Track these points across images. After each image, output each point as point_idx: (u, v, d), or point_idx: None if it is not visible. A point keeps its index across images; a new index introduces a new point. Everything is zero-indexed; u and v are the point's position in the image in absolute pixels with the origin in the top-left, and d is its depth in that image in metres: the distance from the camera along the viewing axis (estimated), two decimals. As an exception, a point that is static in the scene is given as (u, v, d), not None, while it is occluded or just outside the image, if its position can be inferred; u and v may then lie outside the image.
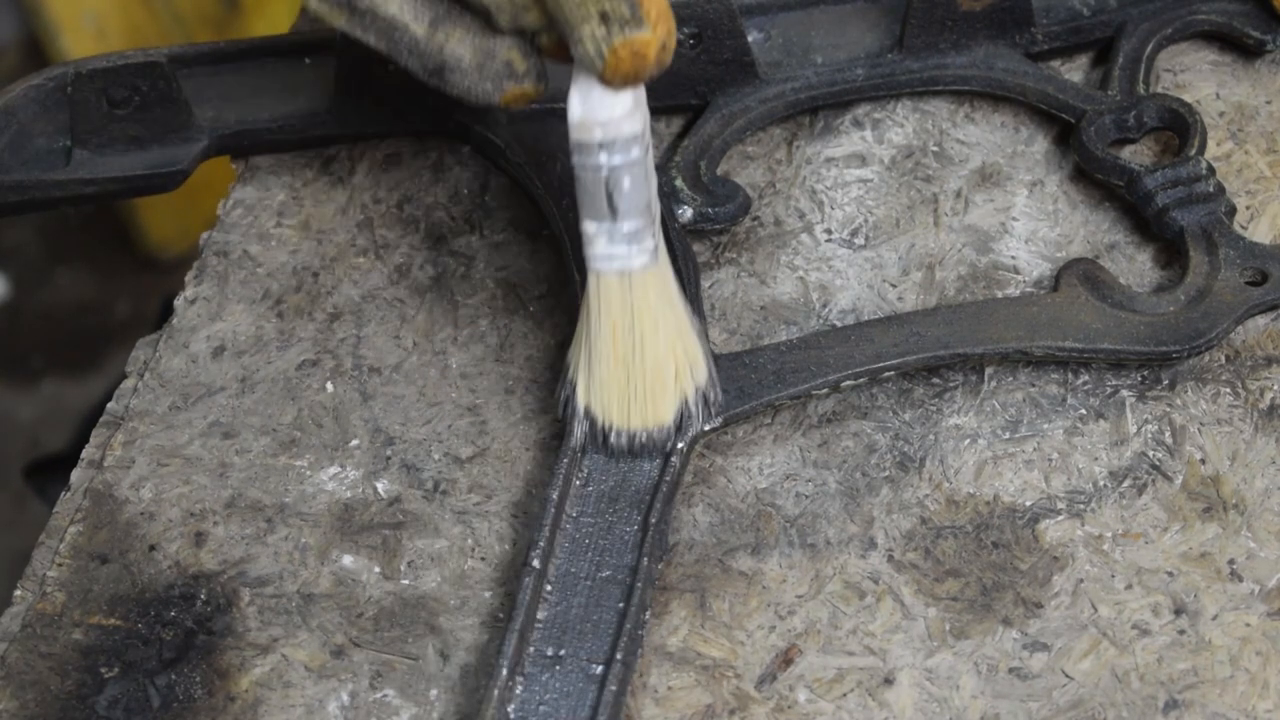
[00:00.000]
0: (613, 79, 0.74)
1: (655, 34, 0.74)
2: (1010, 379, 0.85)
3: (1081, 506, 0.80)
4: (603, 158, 0.76)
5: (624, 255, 0.78)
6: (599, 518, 0.79)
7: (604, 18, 0.73)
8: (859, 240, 0.91)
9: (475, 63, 0.78)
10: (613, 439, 0.79)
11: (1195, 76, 0.96)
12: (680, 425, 0.79)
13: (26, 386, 2.13)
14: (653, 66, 0.75)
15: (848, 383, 0.83)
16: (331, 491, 0.83)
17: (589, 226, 0.78)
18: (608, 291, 0.78)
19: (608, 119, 0.76)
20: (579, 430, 0.79)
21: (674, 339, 0.79)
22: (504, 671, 0.74)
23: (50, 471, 1.34)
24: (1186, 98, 0.94)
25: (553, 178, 0.90)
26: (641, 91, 0.76)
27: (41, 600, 0.80)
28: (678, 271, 0.83)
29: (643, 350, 0.78)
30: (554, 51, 0.78)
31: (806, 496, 0.82)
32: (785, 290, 0.89)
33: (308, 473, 0.84)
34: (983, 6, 0.94)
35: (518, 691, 0.74)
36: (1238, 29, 0.95)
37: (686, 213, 0.89)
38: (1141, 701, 0.74)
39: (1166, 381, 0.84)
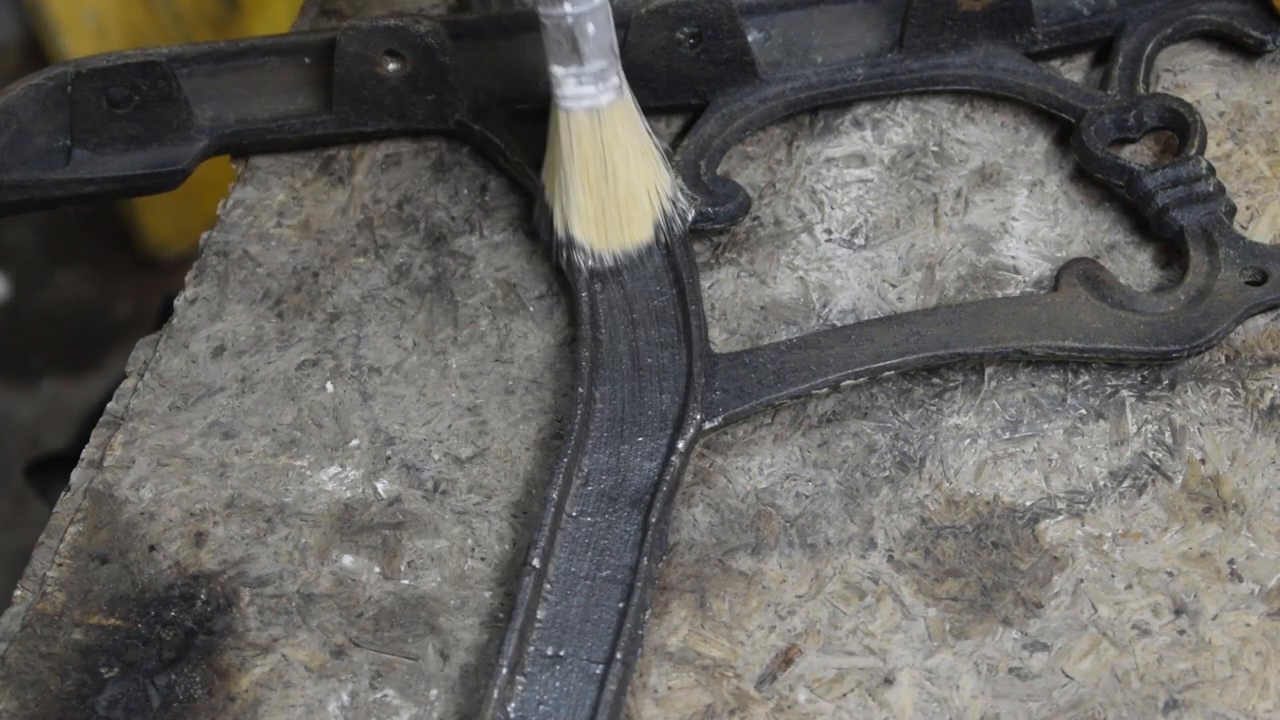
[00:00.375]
0: None
1: None
2: (1010, 379, 0.85)
3: (1081, 506, 0.80)
4: (568, 6, 0.82)
5: (592, 94, 0.83)
6: (599, 517, 0.79)
7: None
8: (859, 240, 0.91)
9: None
10: (594, 261, 0.85)
11: (1195, 76, 0.96)
12: (658, 238, 0.85)
13: (26, 386, 2.13)
14: None
15: (848, 383, 0.83)
16: (331, 491, 0.83)
17: (557, 70, 0.83)
18: (579, 128, 0.84)
19: None
20: (563, 252, 0.85)
21: (642, 164, 0.85)
22: (504, 671, 0.74)
23: (51, 471, 1.34)
24: (1186, 98, 0.94)
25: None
26: None
27: (41, 600, 0.80)
28: (674, 266, 0.83)
29: (615, 178, 0.84)
30: None
31: (806, 496, 0.82)
32: (785, 290, 0.89)
33: (308, 473, 0.84)
34: (983, 6, 0.94)
35: (518, 691, 0.74)
36: (1238, 29, 0.96)
37: (687, 213, 0.89)
38: (1141, 701, 0.74)
39: (1166, 381, 0.84)
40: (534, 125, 0.92)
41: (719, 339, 0.87)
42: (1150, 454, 0.82)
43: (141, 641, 0.78)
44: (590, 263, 0.85)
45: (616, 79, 0.84)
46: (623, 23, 0.93)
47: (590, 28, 0.82)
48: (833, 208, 0.92)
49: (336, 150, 0.96)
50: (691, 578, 0.79)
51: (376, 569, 0.80)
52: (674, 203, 0.86)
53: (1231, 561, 0.78)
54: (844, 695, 0.75)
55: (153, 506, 0.83)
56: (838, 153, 0.94)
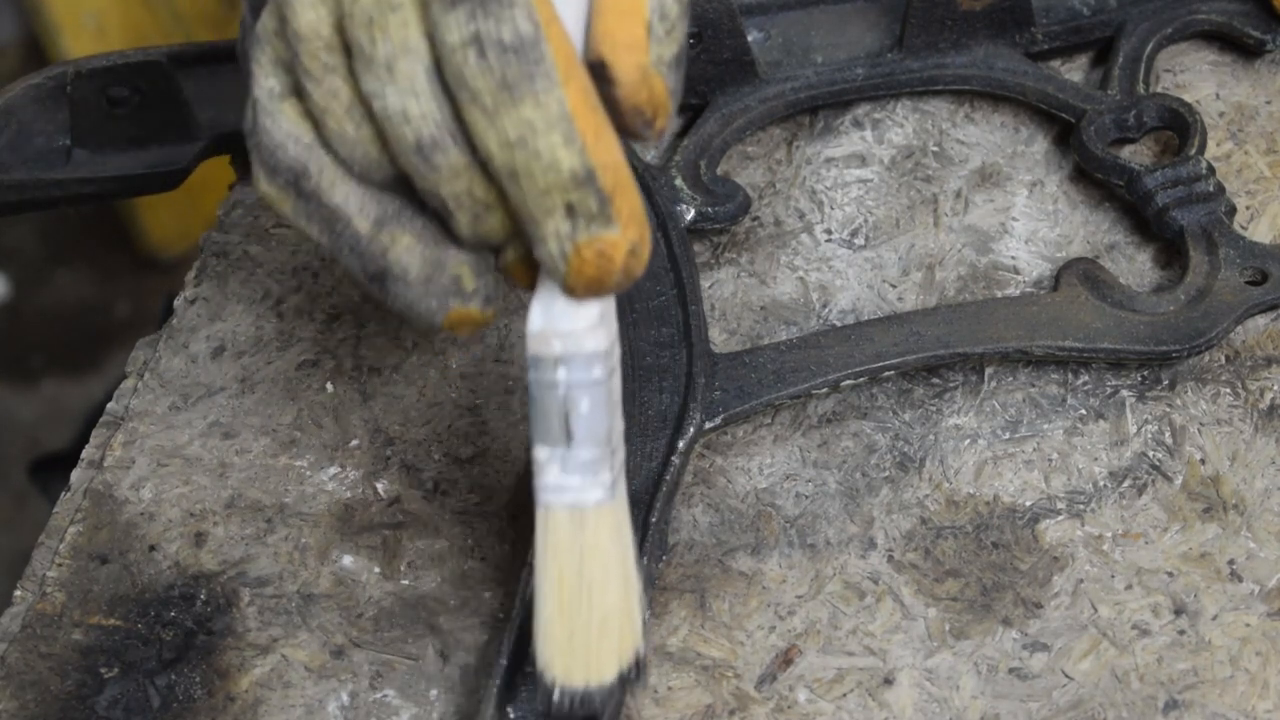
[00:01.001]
0: (576, 284, 0.66)
1: (625, 235, 0.66)
2: (1010, 379, 0.85)
3: (1081, 507, 0.80)
4: (561, 374, 0.68)
5: (577, 488, 0.69)
6: (599, 518, 0.79)
7: (570, 211, 0.65)
8: (859, 240, 0.91)
9: (421, 274, 0.69)
10: (555, 696, 0.69)
11: (1195, 76, 0.96)
12: (621, 683, 0.70)
13: (26, 386, 2.14)
14: (619, 274, 0.66)
15: (847, 383, 0.83)
16: (331, 492, 0.83)
17: (540, 452, 0.69)
18: (556, 530, 0.69)
19: (569, 331, 0.68)
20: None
21: (622, 589, 0.70)
22: (504, 671, 0.73)
23: (54, 469, 1.34)
24: (1186, 98, 0.94)
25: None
26: (611, 305, 0.69)
27: (41, 600, 0.80)
28: (674, 266, 0.82)
29: (590, 601, 0.69)
30: (516, 272, 0.70)
31: (806, 497, 0.82)
32: (785, 290, 0.89)
33: (308, 473, 0.84)
34: (983, 6, 0.94)
35: (518, 692, 0.74)
36: (1238, 29, 0.96)
37: (687, 213, 0.89)
38: (1141, 702, 0.74)
39: (1166, 381, 0.84)
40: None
41: (719, 339, 0.87)
42: (1150, 454, 0.82)
43: (141, 642, 0.78)
44: (552, 695, 0.69)
45: (609, 475, 0.69)
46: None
47: (585, 405, 0.68)
48: (833, 208, 0.92)
49: (336, 150, 0.96)
50: (691, 578, 0.79)
51: (376, 569, 0.80)
52: (639, 654, 0.71)
53: (1231, 562, 0.78)
54: (844, 695, 0.75)
55: (153, 507, 0.83)
56: (838, 153, 0.94)
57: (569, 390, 0.68)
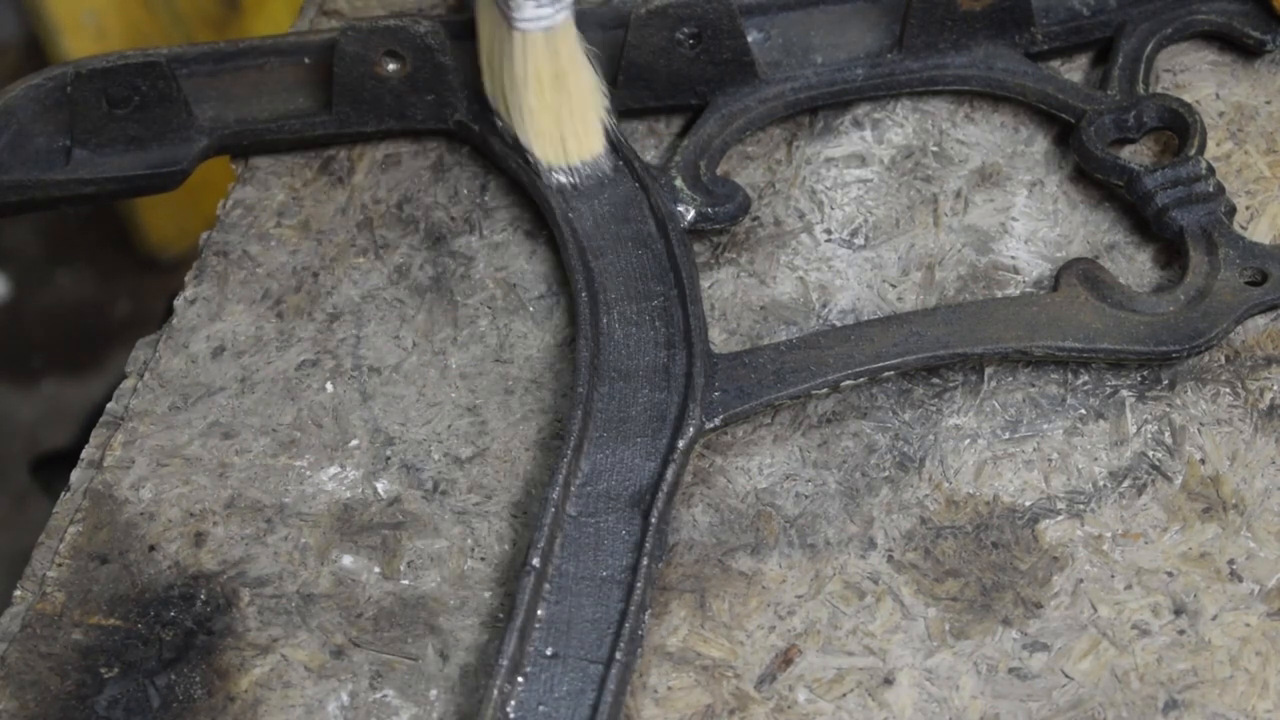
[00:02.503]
0: None
1: None
2: (1010, 379, 0.85)
3: (1081, 507, 0.80)
4: None
5: (549, 15, 0.85)
6: (599, 517, 0.79)
7: None
8: (859, 240, 0.91)
9: None
10: (558, 176, 0.88)
11: (1195, 76, 0.96)
12: (610, 144, 0.88)
13: (26, 386, 2.13)
14: None
15: (847, 383, 0.83)
16: (331, 492, 0.83)
17: None
18: (534, 48, 0.85)
19: None
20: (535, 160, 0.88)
21: (588, 75, 0.87)
22: (504, 671, 0.74)
23: (55, 467, 1.34)
24: (1186, 98, 0.94)
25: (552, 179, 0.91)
26: None
27: (41, 600, 0.80)
28: (674, 266, 0.84)
29: (570, 96, 0.87)
30: None
31: (806, 496, 0.82)
32: (785, 290, 0.89)
33: (307, 473, 0.84)
34: (982, 6, 0.94)
35: (518, 692, 0.74)
36: (1238, 29, 0.95)
37: (687, 213, 0.89)
38: (1141, 701, 0.74)
39: (1166, 381, 0.84)
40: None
41: (719, 339, 0.87)
42: (1150, 454, 0.82)
43: (141, 642, 0.78)
44: (557, 178, 0.88)
45: None
46: (622, 23, 0.93)
47: None
48: (832, 208, 0.92)
49: (336, 150, 0.96)
50: (691, 578, 0.79)
51: (376, 569, 0.80)
52: (610, 111, 0.89)
53: (1231, 561, 0.78)
54: (844, 695, 0.75)
55: (152, 507, 0.83)
56: (837, 153, 0.94)
57: None
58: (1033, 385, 0.84)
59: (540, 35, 0.85)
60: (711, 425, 0.81)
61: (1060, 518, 0.80)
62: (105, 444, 0.85)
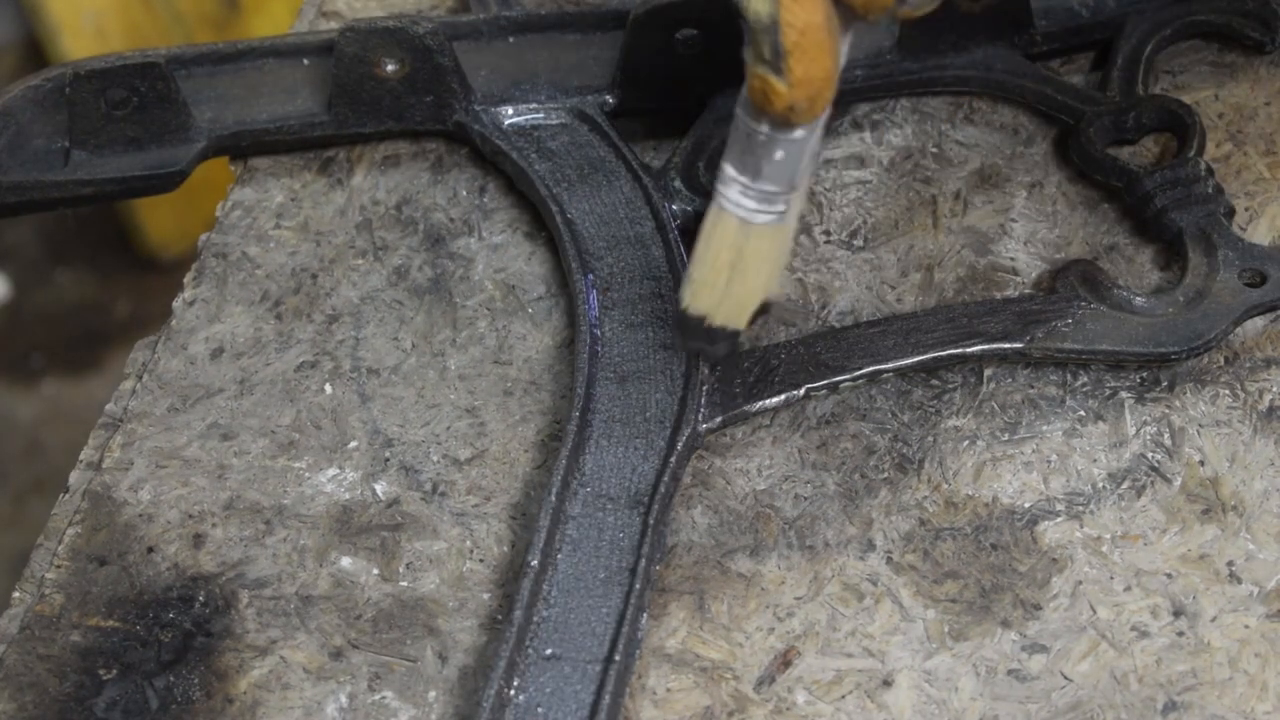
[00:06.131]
0: (750, 94, 0.74)
1: (790, 92, 0.73)
2: (1009, 381, 0.85)
3: (1080, 508, 0.80)
4: (764, 126, 0.75)
5: (751, 210, 0.77)
6: (598, 518, 0.79)
7: (756, 43, 0.73)
8: (858, 242, 0.91)
9: None
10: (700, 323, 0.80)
11: (1194, 77, 0.96)
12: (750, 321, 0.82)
13: (26, 386, 2.13)
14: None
15: (846, 384, 0.83)
16: (330, 493, 0.83)
17: (729, 169, 0.77)
18: (724, 227, 0.78)
19: None
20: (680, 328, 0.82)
21: (762, 284, 0.79)
22: (502, 673, 0.73)
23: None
24: (1185, 99, 0.94)
25: (551, 178, 0.90)
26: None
27: (40, 602, 0.80)
28: (673, 267, 0.83)
29: (733, 280, 0.79)
30: None
31: (805, 498, 0.82)
32: (784, 291, 0.89)
33: (306, 474, 0.84)
34: (981, 8, 0.94)
35: (517, 693, 0.74)
36: (1237, 29, 0.95)
37: (686, 214, 0.89)
38: (1140, 703, 0.74)
39: (1165, 383, 0.84)
40: (531, 128, 0.92)
41: (718, 340, 0.87)
42: (1149, 456, 0.82)
43: (140, 643, 0.78)
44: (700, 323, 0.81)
45: (784, 207, 0.78)
46: (623, 23, 0.93)
47: (779, 155, 0.76)
48: (831, 209, 0.92)
49: (335, 151, 0.96)
50: (690, 579, 0.79)
51: (375, 571, 0.80)
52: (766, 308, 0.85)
53: (1230, 563, 0.78)
54: (843, 697, 0.75)
55: (151, 508, 0.83)
56: (836, 154, 0.94)
57: (768, 138, 0.75)
58: (1032, 387, 0.84)
59: (734, 220, 0.77)
60: (710, 426, 0.81)
61: (1059, 519, 0.80)
62: (104, 445, 0.85)
